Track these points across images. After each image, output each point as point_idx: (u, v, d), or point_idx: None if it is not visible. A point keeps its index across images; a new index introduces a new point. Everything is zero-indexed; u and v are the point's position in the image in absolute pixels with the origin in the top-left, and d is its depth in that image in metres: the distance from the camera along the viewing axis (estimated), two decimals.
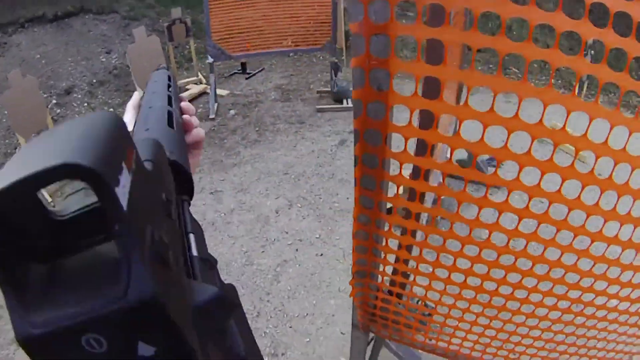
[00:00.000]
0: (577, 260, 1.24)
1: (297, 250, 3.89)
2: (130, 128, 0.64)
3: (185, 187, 0.58)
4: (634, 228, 1.16)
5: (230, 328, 0.45)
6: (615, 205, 1.10)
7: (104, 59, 8.25)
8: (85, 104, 7.37)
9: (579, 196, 1.07)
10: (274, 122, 5.78)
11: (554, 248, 1.20)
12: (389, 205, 1.28)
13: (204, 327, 0.34)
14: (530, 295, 1.38)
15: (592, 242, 1.18)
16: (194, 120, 0.75)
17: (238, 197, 4.54)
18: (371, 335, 2.30)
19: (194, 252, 0.45)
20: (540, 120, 0.92)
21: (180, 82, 6.94)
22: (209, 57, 6.12)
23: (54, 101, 7.26)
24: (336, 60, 6.24)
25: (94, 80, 7.84)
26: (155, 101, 0.68)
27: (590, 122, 0.93)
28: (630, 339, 1.64)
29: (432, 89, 0.92)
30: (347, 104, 6.12)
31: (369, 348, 2.52)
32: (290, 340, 3.17)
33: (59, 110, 7.15)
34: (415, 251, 1.38)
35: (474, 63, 0.85)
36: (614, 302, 1.42)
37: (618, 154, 1.00)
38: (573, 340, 1.62)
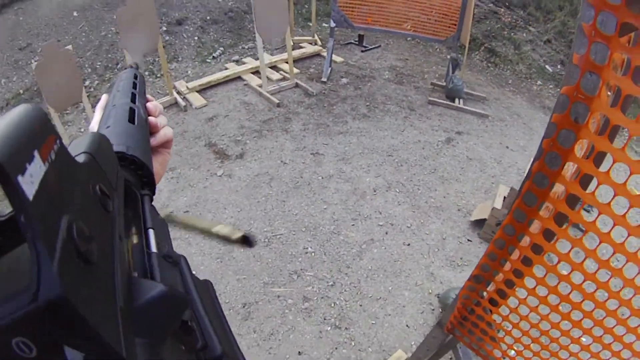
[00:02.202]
0: None
1: (386, 233, 4.01)
2: (96, 128, 0.69)
3: (145, 182, 0.61)
4: None
5: (203, 324, 0.46)
6: None
7: (220, 0, 8.54)
8: (196, 38, 7.72)
9: None
10: (385, 101, 5.90)
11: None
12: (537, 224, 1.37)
13: (151, 325, 0.35)
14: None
15: None
16: (161, 120, 0.78)
17: (339, 165, 4.72)
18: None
19: (153, 249, 0.46)
20: None
21: (295, 38, 7.13)
22: (332, 21, 6.29)
23: (164, 28, 7.64)
24: (457, 57, 6.25)
25: (208, 18, 8.16)
26: (119, 99, 0.72)
27: None
28: None
29: (612, 133, 1.04)
30: (459, 104, 6.14)
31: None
32: (357, 318, 3.32)
33: (167, 38, 7.53)
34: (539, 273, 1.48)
35: None
36: None
37: None
38: None
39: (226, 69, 6.92)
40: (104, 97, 0.78)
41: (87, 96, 5.58)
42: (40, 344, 0.26)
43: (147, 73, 7.17)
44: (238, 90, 6.41)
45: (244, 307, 3.46)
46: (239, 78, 6.63)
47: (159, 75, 7.07)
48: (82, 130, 6.32)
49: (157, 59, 7.30)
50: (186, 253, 3.83)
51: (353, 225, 4.05)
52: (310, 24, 7.89)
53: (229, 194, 4.51)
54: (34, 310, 0.25)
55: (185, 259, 0.52)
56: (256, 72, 6.62)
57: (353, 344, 3.14)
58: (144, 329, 0.34)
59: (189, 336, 0.42)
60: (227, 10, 8.36)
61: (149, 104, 0.78)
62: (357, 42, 7.49)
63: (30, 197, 0.25)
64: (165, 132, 0.77)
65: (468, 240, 4.02)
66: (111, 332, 0.29)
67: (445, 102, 6.15)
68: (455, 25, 6.02)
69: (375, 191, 4.42)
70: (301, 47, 7.21)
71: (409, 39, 7.79)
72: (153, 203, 0.60)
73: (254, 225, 4.10)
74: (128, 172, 0.58)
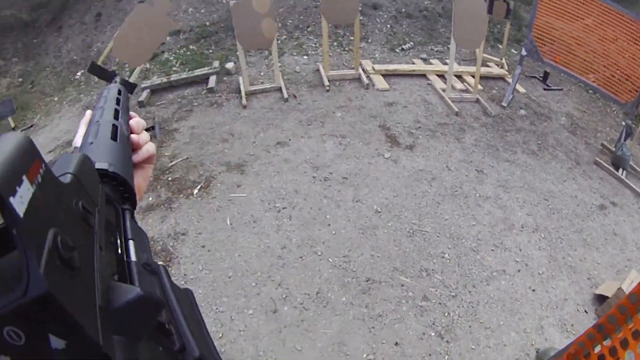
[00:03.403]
0: None
1: (518, 270, 4.02)
2: (79, 143, 0.72)
3: (126, 197, 0.64)
4: None
5: (180, 328, 0.49)
6: None
7: None
8: (389, 26, 7.99)
9: None
10: (555, 146, 5.83)
11: None
12: None
13: (129, 325, 0.39)
14: None
15: None
16: (143, 137, 0.79)
17: (497, 190, 4.78)
18: None
19: (132, 258, 0.50)
20: None
21: (483, 55, 7.16)
22: (524, 49, 6.28)
23: (360, 8, 7.92)
24: (631, 125, 6.01)
25: (403, 10, 8.37)
26: (102, 115, 0.74)
27: None
28: None
29: None
30: (622, 174, 5.91)
31: None
32: (461, 336, 3.39)
33: (361, 18, 7.80)
34: None
35: None
36: None
37: None
38: None
39: (413, 63, 7.12)
40: (88, 113, 0.80)
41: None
42: (28, 333, 0.30)
43: (335, 44, 7.51)
44: (421, 87, 6.58)
45: (366, 281, 3.66)
46: (423, 76, 6.79)
47: (346, 49, 7.39)
48: (262, 73, 6.76)
49: (346, 34, 7.63)
50: (332, 215, 4.14)
51: (493, 250, 4.11)
52: (500, 46, 7.89)
53: (390, 177, 4.71)
54: (24, 304, 0.29)
55: (165, 268, 0.55)
56: (441, 75, 6.77)
57: (446, 358, 3.23)
58: (121, 328, 0.39)
59: (167, 338, 0.46)
60: (423, 8, 8.52)
61: (131, 122, 0.80)
62: (541, 78, 7.39)
63: (21, 215, 0.30)
64: (147, 149, 0.79)
65: (585, 311, 3.92)
66: (90, 324, 0.34)
67: (609, 168, 5.95)
68: (637, 91, 5.78)
69: (522, 228, 4.43)
70: (488, 66, 7.27)
71: (590, 91, 7.56)
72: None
73: (404, 213, 4.29)
74: (110, 188, 0.61)
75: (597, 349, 1.83)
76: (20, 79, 8.08)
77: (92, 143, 0.66)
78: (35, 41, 8.63)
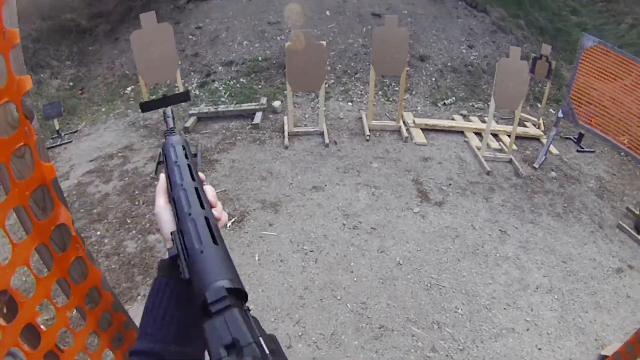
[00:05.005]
0: None
1: (527, 329, 4.06)
2: (171, 228, 0.72)
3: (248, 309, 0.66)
4: None
5: None
6: None
7: (464, 50, 8.91)
8: (434, 79, 8.22)
9: None
10: (580, 209, 5.86)
11: None
12: None
13: None
14: None
15: None
16: (219, 208, 0.77)
17: (517, 251, 4.87)
18: None
19: None
20: None
21: (521, 115, 7.25)
22: (561, 111, 6.35)
23: (408, 59, 8.13)
24: None
25: (449, 64, 8.54)
26: (183, 184, 0.74)
27: None
28: None
29: None
30: None
31: None
32: None
33: (409, 69, 7.99)
34: None
35: None
36: None
37: None
38: None
39: (452, 119, 7.27)
40: (162, 178, 0.79)
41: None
42: None
43: (380, 93, 7.74)
44: (457, 143, 6.72)
45: (380, 328, 3.82)
46: (461, 132, 6.93)
47: (390, 99, 7.62)
48: (306, 116, 7.04)
49: (392, 84, 7.86)
50: (356, 262, 4.52)
51: (505, 309, 4.19)
52: (539, 105, 7.92)
53: (415, 232, 4.87)
54: None
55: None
56: (478, 133, 6.88)
57: None
58: None
59: None
60: (468, 62, 8.66)
61: (209, 197, 0.77)
62: (575, 140, 7.41)
63: None
64: (224, 221, 0.77)
65: None
66: None
67: (632, 232, 5.91)
68: None
69: (537, 288, 4.49)
70: (525, 126, 7.38)
71: (622, 153, 7.52)
72: None
73: (424, 267, 4.44)
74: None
75: None
76: (71, 83, 8.43)
77: (202, 252, 0.65)
78: (91, 48, 9.01)
